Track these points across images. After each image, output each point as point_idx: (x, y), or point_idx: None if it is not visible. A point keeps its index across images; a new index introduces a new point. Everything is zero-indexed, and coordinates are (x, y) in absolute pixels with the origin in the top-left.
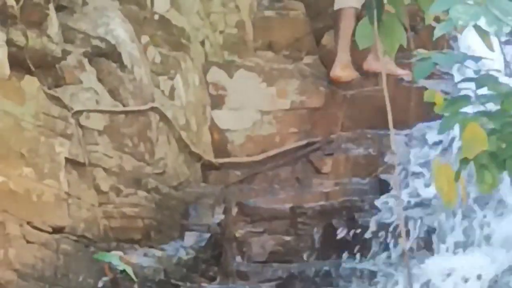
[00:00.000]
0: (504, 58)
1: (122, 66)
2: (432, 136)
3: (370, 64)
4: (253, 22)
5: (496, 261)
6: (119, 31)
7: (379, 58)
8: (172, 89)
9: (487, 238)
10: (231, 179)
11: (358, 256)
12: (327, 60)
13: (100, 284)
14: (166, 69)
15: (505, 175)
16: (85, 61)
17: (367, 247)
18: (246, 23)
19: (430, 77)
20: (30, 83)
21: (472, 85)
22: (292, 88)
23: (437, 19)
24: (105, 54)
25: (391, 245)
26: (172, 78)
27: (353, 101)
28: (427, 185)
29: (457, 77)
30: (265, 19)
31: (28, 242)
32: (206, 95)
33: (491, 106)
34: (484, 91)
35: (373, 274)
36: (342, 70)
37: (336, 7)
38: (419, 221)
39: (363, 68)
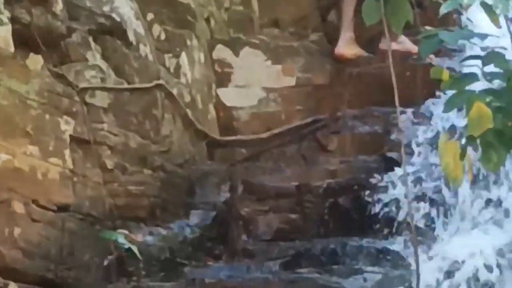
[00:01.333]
0: (510, 33)
1: (127, 44)
2: (439, 114)
3: (386, 44)
4: None
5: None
6: (124, 8)
7: (395, 37)
8: (178, 66)
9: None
10: (237, 157)
11: (364, 234)
12: (333, 37)
13: (105, 262)
14: (172, 46)
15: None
16: (90, 38)
17: (373, 225)
18: (251, 0)
19: (437, 54)
20: (35, 61)
21: (478, 62)
22: (298, 65)
23: None
24: (110, 32)
25: (398, 223)
26: (177, 56)
27: (359, 78)
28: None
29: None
30: None
31: (33, 220)
32: (211, 72)
33: (498, 84)
34: (491, 68)
35: (379, 252)
36: (345, 47)
37: None
38: (427, 197)
39: (379, 48)
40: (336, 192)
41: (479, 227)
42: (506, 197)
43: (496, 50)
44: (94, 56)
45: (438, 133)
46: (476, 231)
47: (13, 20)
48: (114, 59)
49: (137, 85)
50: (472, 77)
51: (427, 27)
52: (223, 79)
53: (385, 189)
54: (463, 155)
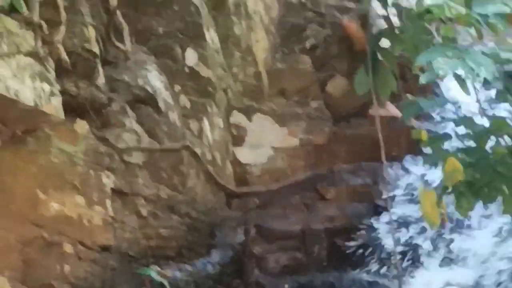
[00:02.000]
0: (479, 102)
1: (158, 111)
2: (419, 168)
3: (375, 110)
4: (268, 73)
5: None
6: (155, 81)
7: (383, 105)
8: (200, 130)
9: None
10: (250, 205)
11: (357, 269)
12: (330, 105)
13: None
14: (195, 113)
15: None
16: (127, 107)
17: (365, 262)
18: (262, 74)
19: (417, 118)
20: (81, 126)
21: (452, 124)
22: (301, 128)
23: (422, 70)
24: (144, 101)
25: (386, 260)
26: (200, 121)
27: (352, 139)
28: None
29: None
30: (278, 70)
31: (80, 259)
32: (229, 135)
33: (468, 143)
34: (462, 130)
35: (370, 285)
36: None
37: None
38: (409, 238)
39: (369, 113)
40: (334, 234)
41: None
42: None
43: (467, 115)
44: (131, 122)
45: (418, 184)
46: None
47: (63, 92)
48: (147, 124)
49: (166, 146)
50: (446, 137)
51: (409, 95)
52: (238, 140)
53: (374, 231)
54: (439, 202)
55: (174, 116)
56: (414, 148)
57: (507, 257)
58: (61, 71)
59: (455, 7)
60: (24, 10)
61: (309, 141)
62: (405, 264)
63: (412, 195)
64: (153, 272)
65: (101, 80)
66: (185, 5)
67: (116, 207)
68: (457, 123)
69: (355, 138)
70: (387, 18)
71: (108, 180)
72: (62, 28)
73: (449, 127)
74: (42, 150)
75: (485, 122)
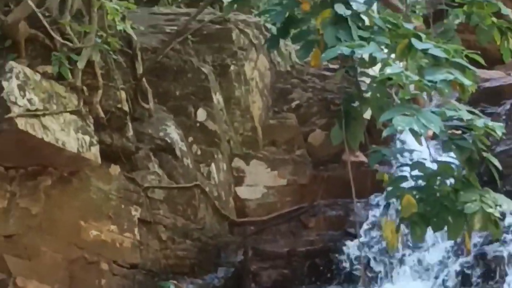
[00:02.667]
0: (429, 150)
1: (175, 157)
2: (382, 203)
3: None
4: (262, 127)
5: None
6: (173, 134)
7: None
8: (209, 172)
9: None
10: (248, 232)
11: (333, 282)
12: (311, 152)
13: None
14: (205, 159)
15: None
16: (151, 154)
17: (338, 277)
18: (257, 128)
19: (380, 163)
20: (114, 169)
21: (407, 168)
22: (288, 171)
23: (385, 125)
24: (164, 149)
25: (355, 276)
26: (208, 165)
27: (329, 179)
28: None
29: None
30: (270, 125)
31: (113, 274)
32: (231, 176)
33: (420, 183)
34: (415, 172)
35: None
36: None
37: None
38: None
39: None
40: (314, 255)
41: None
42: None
43: (419, 160)
44: (154, 166)
45: (381, 215)
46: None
47: (100, 142)
48: (167, 167)
49: (182, 185)
50: (403, 178)
51: (374, 146)
52: (238, 181)
53: (346, 253)
54: (397, 230)
55: (188, 161)
56: (378, 187)
57: (454, 270)
58: (99, 126)
59: (410, 75)
60: (70, 77)
61: (294, 181)
62: (372, 276)
63: (376, 224)
64: (172, 285)
65: (130, 133)
66: (196, 73)
67: (142, 233)
68: (411, 167)
69: (331, 179)
70: (356, 84)
71: (136, 212)
72: (100, 92)
73: (405, 171)
74: (83, 188)
75: (434, 166)
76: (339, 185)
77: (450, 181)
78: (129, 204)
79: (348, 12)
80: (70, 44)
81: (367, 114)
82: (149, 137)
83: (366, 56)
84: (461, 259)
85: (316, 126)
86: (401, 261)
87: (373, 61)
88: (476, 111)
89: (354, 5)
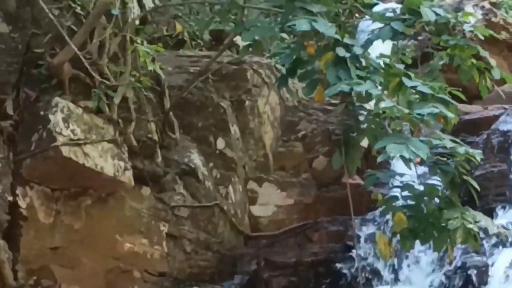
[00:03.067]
0: (417, 173)
1: (198, 180)
2: (376, 219)
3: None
4: (273, 154)
5: None
6: (196, 160)
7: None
8: (227, 193)
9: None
10: (261, 245)
11: None
12: (315, 176)
13: None
14: (223, 182)
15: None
16: (177, 177)
17: (339, 283)
18: (269, 155)
19: (375, 185)
20: (145, 191)
21: (399, 189)
22: (295, 192)
23: (379, 152)
24: (188, 173)
25: (354, 281)
26: (226, 187)
27: (330, 199)
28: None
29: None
30: (280, 152)
31: (145, 281)
32: (246, 196)
33: (410, 202)
34: (405, 193)
35: None
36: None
37: None
38: (370, 266)
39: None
40: (318, 265)
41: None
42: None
43: (409, 183)
44: (179, 187)
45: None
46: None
47: (133, 167)
48: (191, 189)
49: (203, 204)
50: (395, 198)
51: (370, 170)
52: (252, 200)
53: (346, 263)
54: (390, 243)
55: (209, 183)
56: (373, 206)
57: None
58: (132, 153)
59: (401, 109)
60: (107, 111)
61: (300, 201)
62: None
63: (372, 238)
64: None
65: (159, 159)
66: (216, 108)
67: (169, 246)
68: (402, 188)
69: (332, 199)
70: (354, 117)
71: (164, 227)
72: (133, 124)
73: (397, 191)
74: (119, 207)
75: (421, 188)
76: (339, 204)
77: (436, 200)
78: (158, 221)
79: (348, 55)
80: (108, 82)
81: (364, 143)
82: (175, 163)
83: (363, 92)
84: (445, 269)
85: (319, 153)
86: (395, 268)
87: (369, 96)
88: (458, 140)
89: (353, 48)
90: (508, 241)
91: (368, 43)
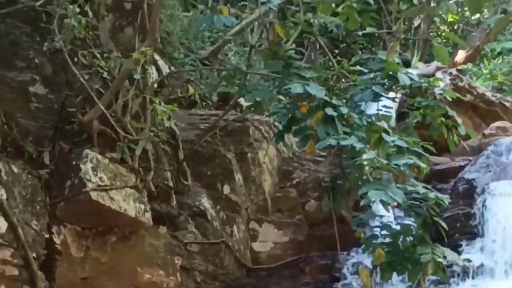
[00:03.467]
0: (394, 215)
1: (207, 221)
2: (359, 255)
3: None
4: (271, 199)
5: None
6: (206, 204)
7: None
8: (232, 232)
9: None
10: (261, 276)
11: None
12: (307, 217)
13: None
14: (229, 222)
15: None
16: (189, 218)
17: None
18: (268, 200)
19: (358, 225)
20: (162, 229)
21: (378, 229)
22: (290, 231)
23: (361, 197)
24: (199, 215)
25: None
26: (231, 227)
27: (320, 237)
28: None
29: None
30: (277, 197)
31: None
32: (248, 235)
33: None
34: (384, 232)
35: None
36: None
37: None
38: None
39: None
40: None
41: None
42: None
43: (387, 223)
44: (191, 227)
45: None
46: None
47: (152, 209)
48: (201, 228)
49: (212, 241)
50: (375, 236)
51: (354, 212)
52: (253, 238)
53: None
54: (371, 274)
55: (216, 223)
56: (357, 243)
57: None
58: (151, 197)
59: (380, 160)
60: (130, 161)
61: (294, 239)
62: None
63: (356, 271)
64: None
65: (173, 202)
66: (223, 159)
67: (182, 276)
68: (381, 228)
69: (322, 236)
70: (340, 167)
71: (178, 261)
72: (152, 172)
73: (377, 230)
74: (139, 243)
75: (398, 227)
76: (328, 241)
77: (410, 238)
78: (173, 255)
79: (335, 114)
80: (130, 137)
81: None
82: (188, 206)
83: (348, 146)
84: None
85: (311, 198)
86: None
87: (353, 149)
88: (429, 187)
89: (340, 108)
90: (471, 273)
91: (353, 104)
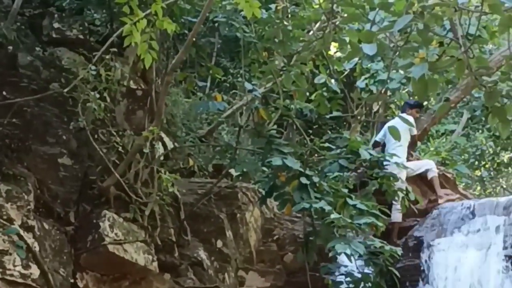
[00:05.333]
0: (356, 265)
1: (204, 269)
2: None
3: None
4: (256, 252)
5: None
6: (202, 255)
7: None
8: (223, 278)
9: None
10: None
11: None
12: (285, 267)
13: None
14: (221, 270)
15: None
16: (189, 267)
17: None
18: (253, 252)
19: (326, 273)
20: (167, 276)
21: (343, 277)
22: (271, 278)
23: (329, 250)
24: (197, 264)
25: None
26: (223, 274)
27: (296, 283)
28: None
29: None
30: (260, 250)
31: None
32: (237, 281)
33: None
34: (348, 279)
35: None
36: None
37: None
38: None
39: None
40: None
41: None
42: None
43: (350, 271)
44: (190, 274)
45: None
46: None
47: (158, 259)
48: (198, 275)
49: (207, 286)
50: (340, 283)
51: (323, 263)
52: (241, 283)
53: None
54: None
55: (211, 271)
56: None
57: None
58: (157, 250)
59: (345, 220)
60: (140, 220)
61: (275, 284)
62: None
63: None
64: None
65: (176, 254)
66: (216, 219)
67: None
68: (345, 276)
69: (297, 283)
70: (312, 226)
71: None
72: (158, 229)
73: (342, 278)
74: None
75: (359, 276)
76: (302, 287)
77: (369, 284)
78: None
79: (308, 182)
80: (141, 200)
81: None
82: (187, 257)
83: (319, 209)
84: None
85: (288, 251)
86: None
87: (323, 211)
88: (384, 242)
89: (312, 178)
90: None
91: (323, 174)
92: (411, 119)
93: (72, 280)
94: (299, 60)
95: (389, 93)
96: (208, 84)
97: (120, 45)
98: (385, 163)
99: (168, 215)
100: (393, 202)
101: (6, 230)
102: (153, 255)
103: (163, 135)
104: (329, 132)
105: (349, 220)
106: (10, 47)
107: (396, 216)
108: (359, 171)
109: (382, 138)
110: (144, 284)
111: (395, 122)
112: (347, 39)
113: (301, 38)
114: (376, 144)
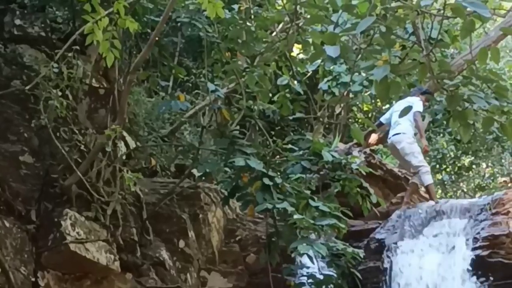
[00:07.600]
0: (318, 266)
1: (166, 269)
2: None
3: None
4: (218, 252)
5: None
6: (164, 255)
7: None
8: (186, 279)
9: None
10: None
11: None
12: (247, 268)
13: None
14: (183, 270)
15: None
16: (151, 267)
17: None
18: (215, 253)
19: (289, 274)
20: (128, 275)
21: (305, 278)
22: (233, 278)
23: (292, 251)
24: (159, 264)
25: None
26: (185, 274)
27: (258, 284)
28: None
29: None
30: (223, 251)
31: None
32: (199, 281)
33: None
34: (310, 280)
35: None
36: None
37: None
38: None
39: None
40: None
41: None
42: None
43: (312, 273)
44: (153, 274)
45: None
46: None
47: (120, 259)
48: (160, 275)
49: (169, 286)
50: (302, 284)
51: (285, 264)
52: (203, 284)
53: None
54: None
55: (173, 271)
56: None
57: None
58: (119, 249)
59: (308, 221)
60: (102, 219)
61: (237, 285)
62: None
63: None
64: None
65: (138, 253)
66: (179, 219)
67: None
68: (308, 277)
69: (260, 284)
70: (275, 227)
71: None
72: (120, 229)
73: (304, 279)
74: (110, 287)
75: (321, 277)
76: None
77: (331, 286)
78: None
79: (271, 183)
80: (103, 199)
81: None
82: (150, 257)
83: (281, 209)
84: None
85: (251, 252)
86: None
87: (285, 212)
88: (347, 244)
89: (275, 179)
90: None
91: (286, 175)
92: (420, 104)
93: (33, 279)
94: (262, 61)
95: (351, 95)
96: (171, 83)
97: (82, 43)
98: (399, 132)
99: (130, 215)
100: (418, 167)
101: None
102: (115, 255)
103: (125, 134)
104: (292, 134)
105: (312, 222)
106: None
107: (426, 178)
108: (321, 173)
109: (388, 118)
110: (106, 284)
111: (405, 101)
112: (310, 40)
113: (264, 39)
114: (380, 125)
